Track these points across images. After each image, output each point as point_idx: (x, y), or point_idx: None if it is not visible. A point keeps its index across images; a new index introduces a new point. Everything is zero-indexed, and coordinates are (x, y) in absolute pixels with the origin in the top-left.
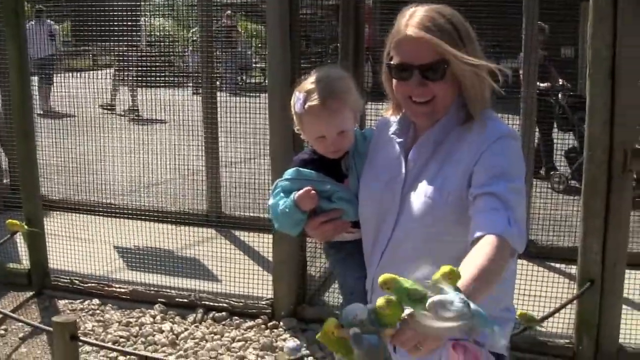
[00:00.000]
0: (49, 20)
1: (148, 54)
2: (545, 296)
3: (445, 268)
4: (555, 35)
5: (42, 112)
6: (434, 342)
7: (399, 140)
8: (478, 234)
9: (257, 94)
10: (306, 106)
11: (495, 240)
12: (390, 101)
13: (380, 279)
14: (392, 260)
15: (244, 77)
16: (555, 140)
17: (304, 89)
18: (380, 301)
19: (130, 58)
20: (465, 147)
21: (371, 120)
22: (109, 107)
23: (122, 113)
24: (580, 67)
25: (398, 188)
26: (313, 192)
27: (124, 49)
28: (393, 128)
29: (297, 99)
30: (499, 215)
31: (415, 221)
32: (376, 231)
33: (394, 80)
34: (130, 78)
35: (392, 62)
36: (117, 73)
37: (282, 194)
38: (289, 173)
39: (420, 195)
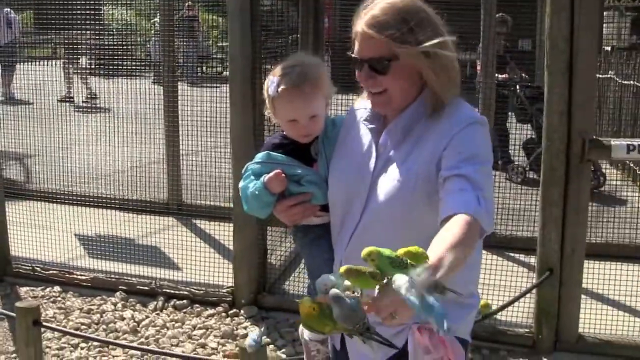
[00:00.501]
0: (6, 9)
1: (106, 43)
2: (505, 286)
3: (411, 248)
4: (513, 28)
5: (3, 99)
6: (408, 312)
7: (370, 126)
8: (447, 213)
9: (216, 85)
10: (280, 89)
11: (464, 219)
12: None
13: (364, 252)
14: (360, 243)
15: (204, 68)
16: (513, 132)
17: (278, 73)
18: (343, 269)
19: (81, 47)
20: (434, 133)
21: (330, 110)
22: (67, 100)
23: (83, 103)
24: (537, 59)
25: (368, 172)
26: (282, 175)
27: (75, 38)
28: (365, 114)
29: (270, 82)
30: (468, 195)
31: (384, 204)
32: (345, 214)
33: (356, 71)
34: (81, 67)
35: (351, 54)
36: (66, 63)
37: (252, 177)
38: (259, 157)
39: (390, 179)
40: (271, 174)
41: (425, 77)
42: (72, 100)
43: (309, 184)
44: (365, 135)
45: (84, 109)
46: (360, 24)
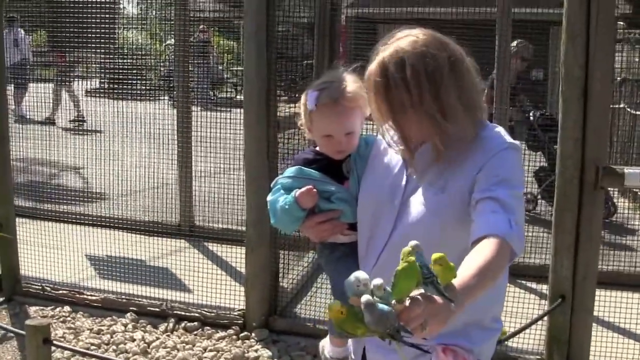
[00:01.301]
0: (19, 29)
1: (119, 65)
2: (516, 313)
3: (436, 255)
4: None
5: (15, 118)
6: (438, 324)
7: (399, 147)
8: (479, 234)
9: (228, 109)
10: (318, 103)
11: (495, 241)
12: None
13: (435, 256)
14: (387, 263)
15: (215, 92)
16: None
17: (318, 87)
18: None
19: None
20: (468, 156)
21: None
22: (79, 121)
23: (69, 123)
24: (550, 88)
25: (399, 192)
26: (314, 190)
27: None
28: (395, 136)
29: (309, 96)
30: (500, 218)
31: (414, 225)
32: (372, 234)
33: None
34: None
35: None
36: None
37: (282, 191)
38: (290, 171)
39: (420, 200)
40: (303, 189)
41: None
42: (84, 121)
43: (340, 202)
44: (396, 156)
45: (98, 130)
46: (370, 75)
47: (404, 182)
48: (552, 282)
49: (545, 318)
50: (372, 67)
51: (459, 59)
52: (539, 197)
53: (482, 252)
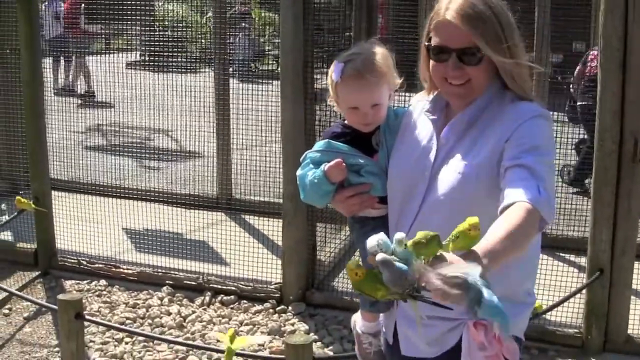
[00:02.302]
0: (60, 1)
1: (159, 37)
2: (554, 286)
3: (470, 219)
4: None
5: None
6: (457, 296)
7: (432, 117)
8: (507, 202)
9: (269, 81)
10: (344, 75)
11: (524, 207)
12: (425, 83)
13: (471, 220)
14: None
15: (257, 64)
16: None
17: (344, 59)
18: (420, 235)
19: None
20: (498, 125)
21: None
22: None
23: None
24: None
25: (429, 164)
26: (343, 164)
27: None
28: (427, 106)
29: (335, 67)
30: (529, 185)
31: (444, 196)
32: (403, 206)
33: (432, 62)
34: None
35: (430, 44)
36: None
37: (311, 165)
38: (319, 145)
39: (452, 171)
40: (332, 163)
41: (502, 73)
42: (93, 95)
43: (369, 175)
44: (427, 127)
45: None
46: (448, 13)
47: (434, 154)
48: (590, 255)
49: (584, 291)
50: (456, 2)
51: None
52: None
53: (509, 218)
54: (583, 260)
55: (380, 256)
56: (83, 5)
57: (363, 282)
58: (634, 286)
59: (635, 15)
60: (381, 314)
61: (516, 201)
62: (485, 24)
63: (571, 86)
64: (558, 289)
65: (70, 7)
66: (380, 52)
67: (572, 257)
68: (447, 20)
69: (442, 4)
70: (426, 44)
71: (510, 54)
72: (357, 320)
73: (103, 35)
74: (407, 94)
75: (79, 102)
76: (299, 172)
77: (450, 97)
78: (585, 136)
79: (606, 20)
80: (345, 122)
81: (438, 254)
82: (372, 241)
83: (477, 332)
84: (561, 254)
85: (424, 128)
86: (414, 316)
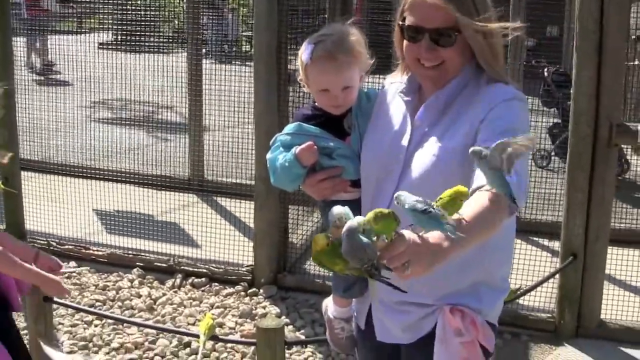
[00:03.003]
0: None
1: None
2: (528, 270)
3: (460, 188)
4: (542, 15)
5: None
6: (421, 267)
7: (406, 99)
8: (477, 184)
9: (243, 63)
10: (313, 56)
11: (492, 191)
12: (398, 63)
13: (462, 189)
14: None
15: (229, 45)
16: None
17: (314, 40)
18: (376, 210)
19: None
20: (473, 107)
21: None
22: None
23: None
24: (565, 45)
25: (403, 146)
26: (314, 146)
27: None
28: (400, 87)
29: (305, 48)
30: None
31: (420, 178)
32: (377, 189)
33: (405, 42)
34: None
35: (404, 23)
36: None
37: (281, 149)
38: (290, 128)
39: (427, 153)
40: (303, 146)
41: (477, 53)
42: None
43: (341, 158)
44: (400, 109)
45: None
46: None
47: (408, 137)
48: (564, 239)
49: (557, 276)
50: None
51: None
52: (553, 153)
53: (476, 202)
54: (557, 245)
55: (347, 225)
56: None
57: (323, 253)
58: (607, 271)
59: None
60: (353, 299)
61: (485, 184)
62: (458, 1)
63: (545, 70)
64: (531, 274)
65: None
66: (352, 33)
67: (546, 242)
68: (422, 0)
69: None
70: (400, 23)
71: (484, 29)
72: (329, 305)
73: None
74: (382, 77)
75: (41, 78)
76: (268, 155)
77: (423, 79)
78: (559, 120)
79: (582, 3)
80: (316, 104)
81: (398, 232)
82: (336, 210)
83: (453, 318)
84: (534, 238)
85: (397, 110)
86: (389, 301)
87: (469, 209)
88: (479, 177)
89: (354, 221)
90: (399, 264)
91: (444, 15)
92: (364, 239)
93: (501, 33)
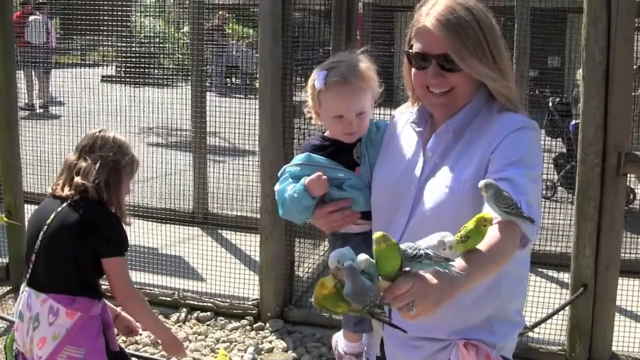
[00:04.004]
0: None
1: (135, 51)
2: (538, 302)
3: (484, 215)
4: (544, 45)
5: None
6: (427, 306)
7: (417, 129)
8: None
9: (246, 97)
10: (327, 81)
11: (503, 224)
12: (401, 96)
13: (485, 215)
14: None
15: (233, 79)
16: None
17: (326, 67)
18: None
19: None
20: (485, 137)
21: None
22: (29, 108)
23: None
24: (567, 76)
25: (415, 177)
26: (324, 177)
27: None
28: (412, 117)
29: (317, 75)
30: None
31: (432, 209)
32: (389, 221)
33: (413, 69)
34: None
35: (411, 51)
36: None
37: (290, 180)
38: (299, 158)
39: (439, 184)
40: (313, 176)
41: (489, 85)
42: (33, 108)
43: (351, 189)
44: (411, 139)
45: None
46: (428, 20)
47: (420, 167)
48: (573, 271)
49: (567, 308)
50: (438, 7)
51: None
52: (558, 184)
53: (488, 235)
54: (565, 276)
55: (348, 263)
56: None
57: (328, 297)
58: (618, 302)
59: (618, 28)
60: (364, 334)
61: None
62: (465, 30)
63: (549, 100)
64: (541, 306)
65: (18, 18)
66: (363, 59)
67: (555, 273)
68: (426, 27)
69: (422, 11)
70: (407, 51)
71: (494, 60)
72: (339, 340)
73: (53, 48)
74: (385, 109)
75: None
76: (277, 187)
77: (433, 107)
78: (564, 150)
79: (589, 33)
80: (325, 134)
81: (402, 270)
82: (333, 254)
83: (467, 353)
84: (544, 270)
85: (408, 140)
86: (401, 336)
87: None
88: (488, 210)
89: (356, 263)
90: (403, 304)
91: (448, 41)
92: (367, 281)
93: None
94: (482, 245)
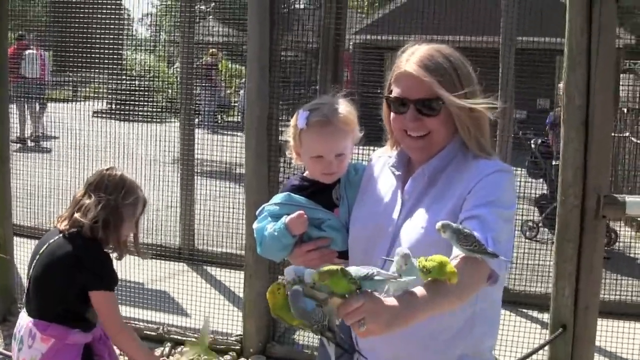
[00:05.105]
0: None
1: (126, 86)
2: (517, 342)
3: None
4: (532, 87)
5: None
6: (377, 325)
7: (397, 173)
8: (454, 254)
9: (235, 133)
10: (309, 122)
11: (467, 259)
12: (388, 137)
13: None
14: None
15: (222, 116)
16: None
17: (309, 107)
18: (323, 268)
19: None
20: (460, 180)
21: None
22: (20, 141)
23: (31, 142)
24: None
25: (393, 218)
26: (305, 216)
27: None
28: (391, 161)
29: (300, 114)
30: (478, 236)
31: (409, 250)
32: (366, 261)
33: (392, 114)
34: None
35: (390, 96)
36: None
37: (269, 218)
38: (278, 197)
39: (415, 225)
40: (293, 215)
41: (459, 127)
42: (24, 142)
43: (330, 229)
44: (389, 182)
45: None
46: (407, 65)
47: (398, 208)
48: (553, 311)
49: (547, 348)
50: (418, 53)
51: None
52: (541, 224)
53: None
54: (546, 317)
55: (294, 288)
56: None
57: (283, 307)
58: (597, 343)
59: (597, 72)
60: None
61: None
62: (442, 75)
63: (532, 141)
64: (520, 345)
65: (14, 52)
66: (345, 103)
67: (535, 314)
68: (406, 72)
69: (403, 57)
70: (387, 96)
71: (466, 106)
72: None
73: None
74: (372, 148)
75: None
76: (255, 225)
77: (410, 150)
78: (546, 191)
79: (569, 77)
80: (305, 174)
81: (354, 292)
82: (286, 271)
83: None
84: (524, 310)
85: (386, 183)
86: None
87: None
88: (456, 250)
89: (300, 284)
90: (353, 320)
91: (426, 86)
92: (308, 301)
93: (486, 108)
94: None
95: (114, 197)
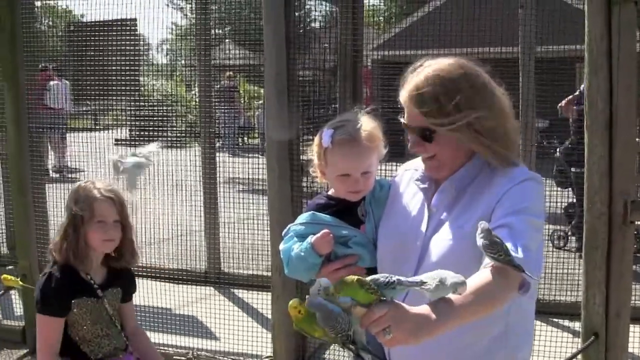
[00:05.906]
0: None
1: (145, 113)
2: (549, 352)
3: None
4: (553, 93)
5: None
6: (403, 333)
7: (422, 186)
8: (485, 263)
9: (257, 155)
10: (334, 140)
11: (497, 267)
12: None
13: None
14: (414, 304)
15: (243, 138)
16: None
17: (334, 125)
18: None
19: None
20: (488, 192)
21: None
22: (59, 171)
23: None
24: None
25: (420, 233)
26: (330, 235)
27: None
28: (416, 175)
29: (324, 133)
30: (509, 244)
31: (438, 263)
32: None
33: None
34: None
35: (402, 120)
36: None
37: (295, 239)
38: (303, 217)
39: (443, 239)
40: (319, 235)
41: (473, 146)
42: (47, 173)
43: (357, 246)
44: (416, 196)
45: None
46: (402, 94)
47: (425, 222)
48: (584, 319)
49: (579, 357)
50: (412, 81)
51: (492, 86)
52: (570, 233)
53: (482, 275)
54: (577, 325)
55: (317, 300)
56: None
57: (303, 320)
58: (630, 349)
59: (620, 76)
60: None
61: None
62: (429, 105)
63: (557, 150)
64: (553, 355)
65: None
66: (368, 120)
67: (566, 322)
68: (404, 101)
69: (406, 80)
70: (400, 120)
71: (453, 129)
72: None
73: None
74: (396, 164)
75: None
76: (281, 246)
77: (426, 169)
78: (574, 200)
79: (591, 82)
80: (329, 193)
81: (379, 300)
82: (316, 285)
83: None
84: (554, 319)
85: (413, 197)
86: None
87: (470, 282)
88: (486, 259)
89: (323, 295)
90: (378, 329)
91: (418, 116)
92: (335, 308)
93: (508, 117)
94: (471, 288)
95: (69, 206)
